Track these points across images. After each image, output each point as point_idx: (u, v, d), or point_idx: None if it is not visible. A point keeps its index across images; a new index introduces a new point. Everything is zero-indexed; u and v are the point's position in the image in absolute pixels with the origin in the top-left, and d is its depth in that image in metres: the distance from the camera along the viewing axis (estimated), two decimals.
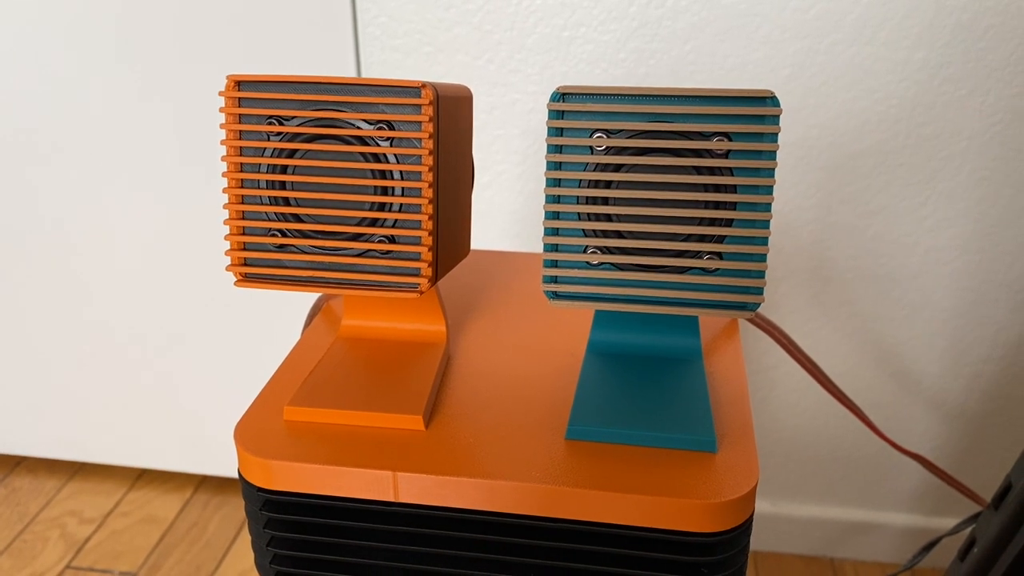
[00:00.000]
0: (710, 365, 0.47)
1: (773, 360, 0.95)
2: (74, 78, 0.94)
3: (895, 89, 0.83)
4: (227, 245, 0.92)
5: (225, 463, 1.11)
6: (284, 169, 0.38)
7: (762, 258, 0.37)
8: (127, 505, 1.08)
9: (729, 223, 0.37)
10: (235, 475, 1.12)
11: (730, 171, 0.36)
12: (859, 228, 0.89)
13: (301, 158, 0.38)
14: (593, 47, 0.86)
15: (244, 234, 0.39)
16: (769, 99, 0.35)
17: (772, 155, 0.36)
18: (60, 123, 0.96)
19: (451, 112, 0.39)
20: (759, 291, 0.37)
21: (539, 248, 0.96)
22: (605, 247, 0.38)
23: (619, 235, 0.38)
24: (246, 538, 1.03)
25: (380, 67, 0.90)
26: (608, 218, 0.38)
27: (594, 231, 0.38)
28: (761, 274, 0.37)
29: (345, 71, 0.90)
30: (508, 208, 0.94)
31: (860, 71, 0.83)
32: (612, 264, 0.38)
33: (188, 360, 1.05)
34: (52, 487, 1.11)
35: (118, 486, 1.12)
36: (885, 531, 1.02)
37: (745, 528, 0.39)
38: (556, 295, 0.39)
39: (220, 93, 0.37)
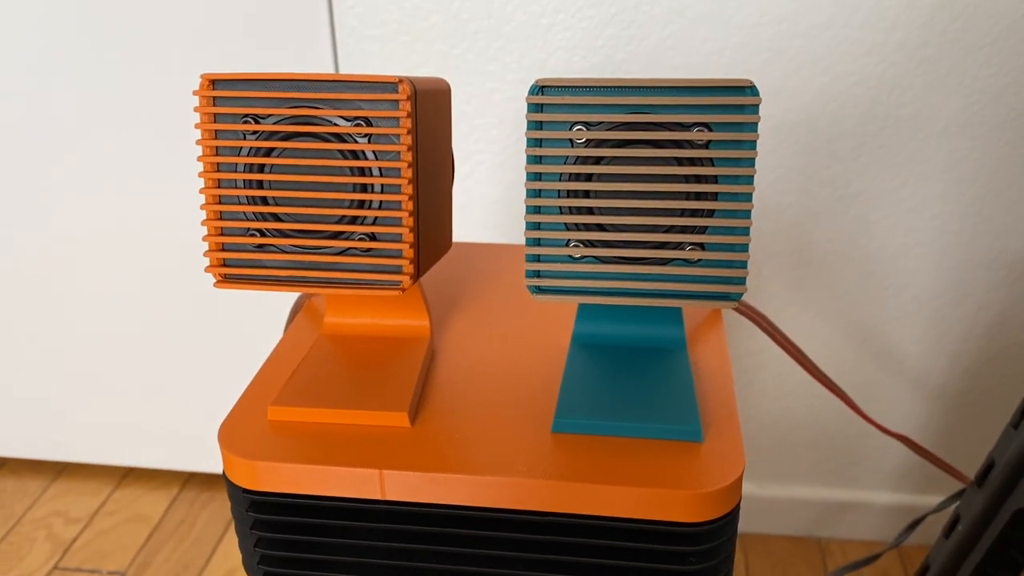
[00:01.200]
0: (694, 354, 0.47)
1: (758, 344, 0.96)
2: (49, 75, 0.92)
3: (873, 71, 0.83)
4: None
5: (211, 460, 1.10)
6: (261, 168, 0.38)
7: (744, 248, 0.37)
8: (113, 504, 1.07)
9: (711, 214, 0.37)
10: (221, 471, 1.12)
11: (711, 161, 0.36)
12: (839, 210, 0.89)
13: (278, 156, 0.37)
14: (571, 34, 0.86)
15: (223, 234, 0.38)
16: (748, 88, 0.35)
17: (752, 144, 0.35)
18: (38, 120, 0.94)
19: (429, 106, 0.39)
20: (742, 281, 0.37)
21: (519, 238, 0.96)
22: (587, 240, 0.38)
23: (601, 228, 0.38)
24: (234, 534, 1.02)
25: (358, 57, 0.89)
26: (590, 211, 0.38)
27: (576, 224, 0.38)
28: (743, 264, 0.37)
29: (322, 62, 0.89)
30: (488, 198, 0.93)
31: (837, 54, 0.83)
32: (594, 257, 0.38)
33: (171, 357, 1.04)
34: (37, 488, 1.10)
35: (104, 485, 1.11)
36: (871, 510, 1.03)
37: (732, 517, 0.39)
38: (539, 289, 0.39)
39: (194, 92, 0.36)
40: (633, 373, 0.43)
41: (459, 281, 0.56)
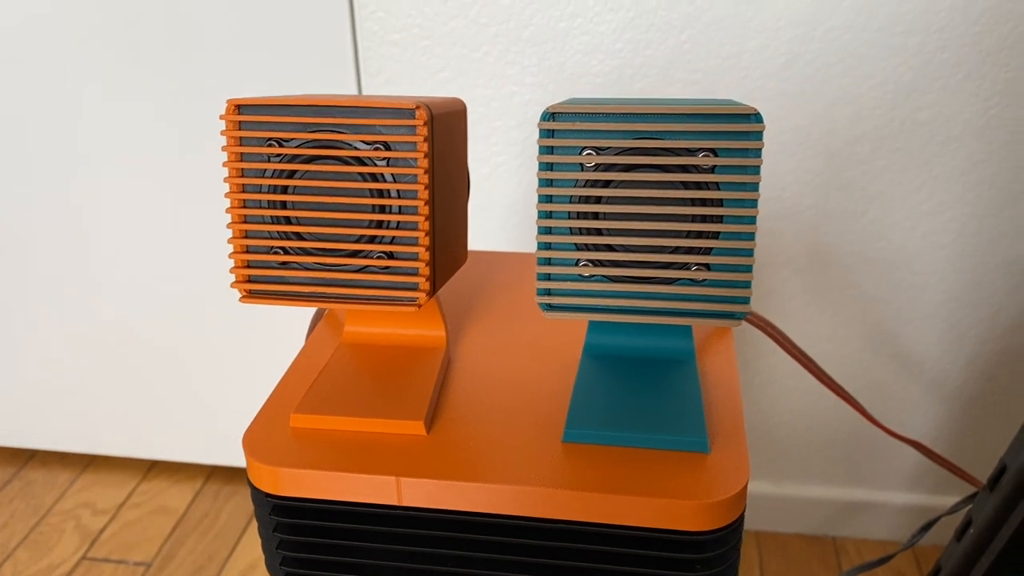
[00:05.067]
0: (703, 366, 0.48)
1: (773, 346, 0.97)
2: (83, 82, 0.95)
3: (891, 75, 0.83)
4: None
5: (235, 454, 1.13)
6: (285, 189, 0.39)
7: (748, 269, 0.38)
8: (139, 496, 1.11)
9: (716, 235, 0.38)
10: (244, 466, 1.15)
11: (716, 185, 0.37)
12: (857, 213, 0.89)
13: (301, 178, 0.39)
14: (589, 38, 0.86)
15: (248, 252, 0.40)
16: (753, 116, 0.36)
17: (756, 170, 0.37)
18: (72, 124, 0.97)
19: (445, 128, 0.40)
20: (745, 300, 0.38)
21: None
22: (596, 260, 0.39)
23: (610, 248, 0.39)
24: (256, 527, 1.05)
25: (378, 61, 0.90)
26: (599, 232, 0.39)
27: (585, 244, 0.39)
28: (747, 284, 0.38)
29: (343, 66, 0.90)
30: (507, 200, 0.95)
31: (855, 57, 0.83)
32: (603, 276, 0.39)
33: (198, 354, 1.07)
34: (65, 480, 1.14)
35: (130, 478, 1.14)
36: (886, 510, 1.04)
37: (736, 526, 0.40)
38: (550, 307, 0.40)
39: (221, 117, 0.38)
40: (642, 385, 0.44)
41: (475, 291, 0.57)
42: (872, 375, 0.97)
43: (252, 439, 0.43)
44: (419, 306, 0.40)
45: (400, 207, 0.38)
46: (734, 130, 0.36)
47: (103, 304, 1.06)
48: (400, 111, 0.37)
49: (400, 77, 0.91)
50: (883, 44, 0.82)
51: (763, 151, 0.53)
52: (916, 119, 0.85)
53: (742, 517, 0.41)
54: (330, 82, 0.91)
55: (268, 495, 0.42)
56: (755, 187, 0.37)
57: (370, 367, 0.46)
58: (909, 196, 0.88)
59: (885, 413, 0.99)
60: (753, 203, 0.37)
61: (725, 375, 0.47)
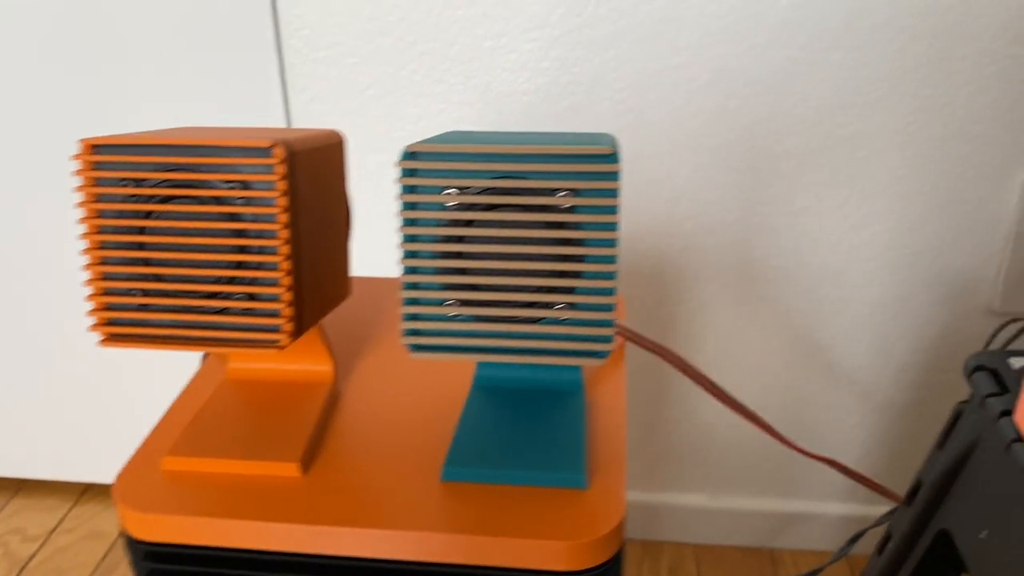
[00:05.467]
0: (594, 395, 0.48)
1: (707, 357, 0.97)
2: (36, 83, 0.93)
3: (814, 91, 0.84)
4: None
5: None
6: (142, 230, 0.38)
7: (609, 308, 0.37)
8: (72, 521, 1.08)
9: (578, 275, 0.37)
10: None
11: (577, 225, 0.37)
12: (783, 227, 0.90)
13: (158, 219, 0.38)
14: (516, 56, 0.86)
15: (107, 294, 0.39)
16: (608, 156, 0.36)
17: (614, 209, 0.36)
18: None
19: (312, 163, 0.39)
20: (608, 339, 0.38)
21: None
22: (462, 299, 0.38)
23: (475, 287, 0.38)
24: None
25: (304, 79, 0.89)
26: (464, 271, 0.38)
27: (451, 284, 0.38)
28: (609, 323, 0.38)
29: (269, 84, 0.89)
30: None
31: (779, 74, 0.83)
32: (470, 316, 0.39)
33: (128, 376, 1.05)
34: None
35: (62, 502, 1.12)
36: (821, 521, 1.04)
37: (612, 563, 0.40)
38: (418, 347, 0.40)
39: (74, 157, 0.37)
40: (527, 419, 0.43)
41: (374, 321, 0.56)
42: (804, 387, 0.97)
43: (123, 484, 0.42)
44: (281, 347, 0.39)
45: (260, 247, 0.38)
46: (591, 170, 0.36)
47: (30, 324, 1.03)
48: (257, 150, 0.37)
49: (327, 95, 0.90)
50: (806, 61, 0.83)
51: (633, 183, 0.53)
52: (839, 135, 0.86)
53: (619, 553, 0.41)
54: (257, 100, 0.90)
55: (139, 541, 0.41)
56: (614, 227, 0.36)
57: (251, 405, 0.45)
58: (834, 211, 0.89)
59: (818, 425, 1.00)
60: (612, 242, 0.36)
61: (613, 404, 0.47)
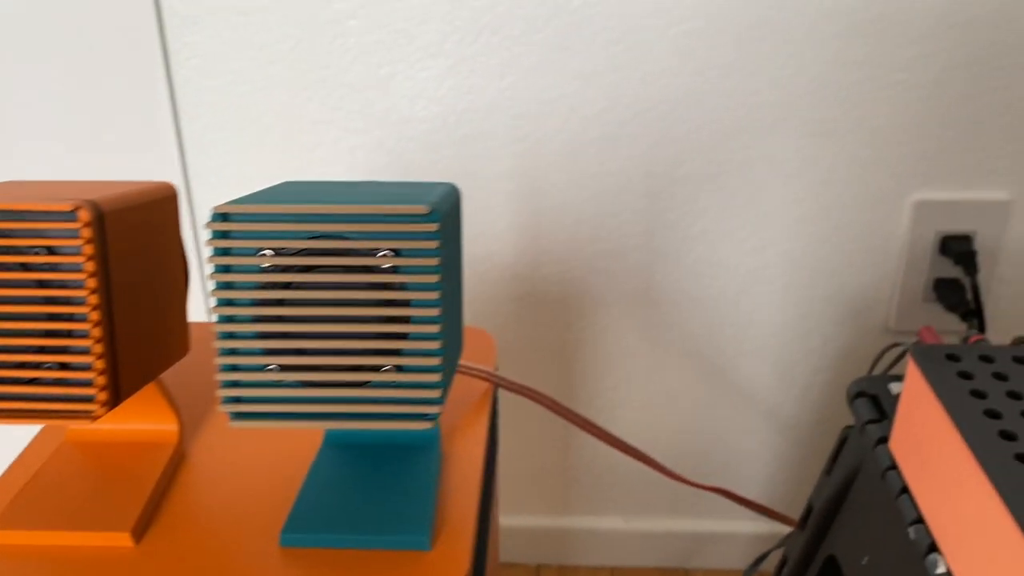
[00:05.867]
0: (452, 445, 0.47)
1: (615, 379, 0.97)
2: None
3: (708, 117, 0.85)
4: None
5: None
6: None
7: (436, 369, 0.37)
8: None
9: (405, 336, 0.36)
10: None
11: (402, 285, 0.36)
12: (683, 252, 0.90)
13: None
14: (412, 84, 0.85)
15: None
16: (424, 215, 0.35)
17: (435, 269, 0.36)
18: None
19: (132, 221, 0.38)
20: (436, 400, 0.37)
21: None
22: (285, 364, 0.37)
23: (297, 352, 0.37)
24: None
25: (196, 108, 0.87)
26: (285, 335, 0.37)
27: (272, 349, 0.37)
28: (437, 385, 0.37)
29: (160, 115, 0.87)
30: None
31: (672, 101, 0.84)
32: (294, 381, 0.38)
33: None
34: None
35: None
36: (735, 539, 1.05)
37: None
38: (238, 415, 0.38)
39: None
40: (375, 477, 0.42)
41: None
42: (710, 410, 0.98)
43: None
44: (94, 418, 0.37)
45: (69, 314, 0.36)
46: (409, 230, 0.35)
47: None
48: (59, 213, 0.35)
49: (220, 124, 0.88)
50: (698, 88, 0.83)
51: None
52: (734, 160, 0.86)
53: None
54: (148, 132, 0.88)
55: None
56: (436, 286, 0.35)
57: (87, 470, 0.43)
58: (732, 234, 0.90)
59: (728, 445, 1.01)
60: (436, 302, 0.36)
61: (472, 454, 0.46)
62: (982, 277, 0.89)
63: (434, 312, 0.36)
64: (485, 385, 0.52)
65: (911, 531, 0.58)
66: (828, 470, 0.72)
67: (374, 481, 0.42)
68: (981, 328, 0.87)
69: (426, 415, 0.37)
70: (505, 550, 1.07)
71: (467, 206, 0.90)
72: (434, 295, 0.35)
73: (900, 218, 0.88)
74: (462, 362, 0.50)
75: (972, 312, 0.87)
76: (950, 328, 0.91)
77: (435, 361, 0.36)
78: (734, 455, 1.00)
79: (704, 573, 1.05)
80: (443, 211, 0.36)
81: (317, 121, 0.87)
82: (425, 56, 0.84)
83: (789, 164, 0.86)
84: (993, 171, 0.86)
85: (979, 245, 0.88)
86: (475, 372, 0.49)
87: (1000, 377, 0.58)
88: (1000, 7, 0.79)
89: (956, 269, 0.89)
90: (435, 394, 0.36)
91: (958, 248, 0.88)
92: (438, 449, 0.44)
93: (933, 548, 0.55)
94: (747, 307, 0.92)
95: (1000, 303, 0.92)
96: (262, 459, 0.46)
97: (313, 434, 0.48)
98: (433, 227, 0.35)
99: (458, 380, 0.52)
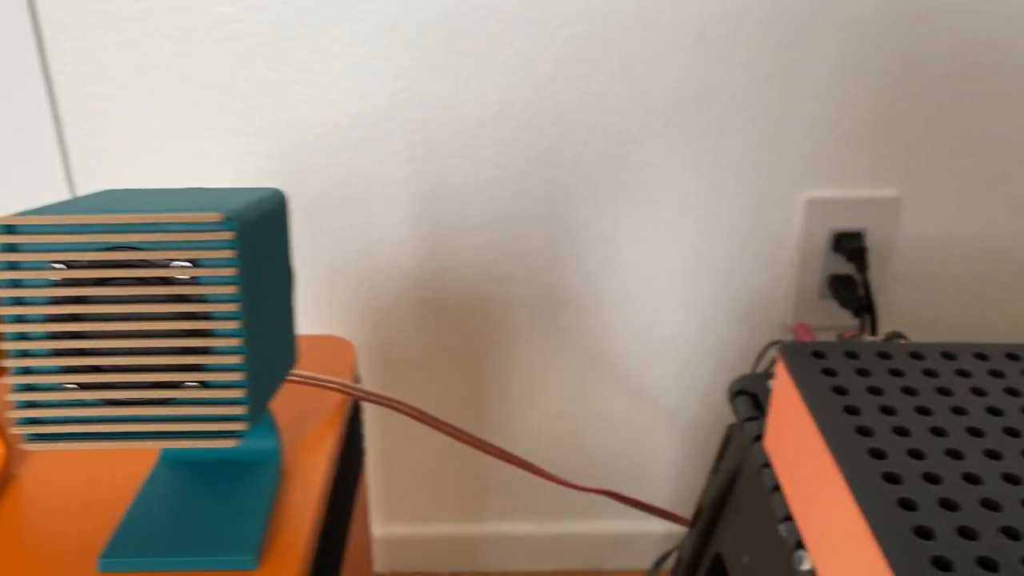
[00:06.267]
0: (297, 460, 0.46)
1: (521, 385, 0.97)
2: None
3: (600, 121, 0.85)
4: None
5: None
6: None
7: (240, 384, 0.35)
8: None
9: (207, 350, 0.35)
10: None
11: (202, 297, 0.35)
12: (583, 255, 0.90)
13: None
14: (301, 88, 0.84)
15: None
16: (218, 224, 0.34)
17: (234, 280, 0.34)
18: None
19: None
20: (243, 418, 0.36)
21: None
22: (81, 383, 0.36)
23: (96, 369, 0.36)
24: None
25: (79, 116, 0.84)
26: (82, 352, 0.36)
27: (69, 366, 0.36)
28: (241, 401, 0.36)
29: (40, 124, 0.84)
30: None
31: (565, 105, 0.84)
32: (93, 399, 0.36)
33: None
34: None
35: None
36: (647, 539, 1.06)
37: None
38: (34, 437, 0.36)
39: None
40: (209, 495, 0.41)
41: None
42: (617, 410, 0.98)
43: None
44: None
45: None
46: (206, 239, 0.34)
47: None
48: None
49: (104, 131, 0.85)
50: (590, 92, 0.83)
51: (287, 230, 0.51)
52: (629, 163, 0.87)
53: None
54: (30, 143, 0.85)
55: None
56: (236, 298, 0.34)
57: None
58: (629, 237, 0.90)
59: (636, 445, 1.01)
60: (236, 315, 0.34)
61: (317, 470, 0.45)
62: (875, 273, 0.91)
63: (234, 325, 0.34)
64: (339, 397, 0.50)
65: (781, 528, 0.58)
66: (715, 469, 0.72)
67: (207, 499, 0.41)
68: (873, 323, 0.88)
69: (232, 432, 0.36)
70: (417, 559, 1.06)
71: (364, 212, 0.89)
72: (233, 307, 0.34)
73: (793, 217, 0.89)
74: (311, 373, 0.49)
75: (864, 308, 0.88)
76: (846, 324, 0.93)
77: (238, 376, 0.35)
78: (641, 457, 1.01)
79: (617, 575, 1.05)
80: (245, 218, 0.34)
81: (204, 127, 0.85)
82: (313, 59, 0.83)
83: (683, 166, 0.86)
84: (883, 169, 0.88)
85: (871, 242, 0.90)
86: (324, 383, 0.48)
87: (863, 373, 0.59)
88: (884, 8, 0.81)
89: (849, 266, 0.90)
90: (240, 410, 0.35)
91: (850, 245, 0.89)
92: (278, 465, 0.43)
93: (801, 545, 0.55)
94: (649, 308, 0.93)
95: (894, 299, 0.94)
96: (96, 479, 0.44)
97: (150, 452, 0.47)
98: (228, 235, 0.34)
99: (309, 392, 0.50)
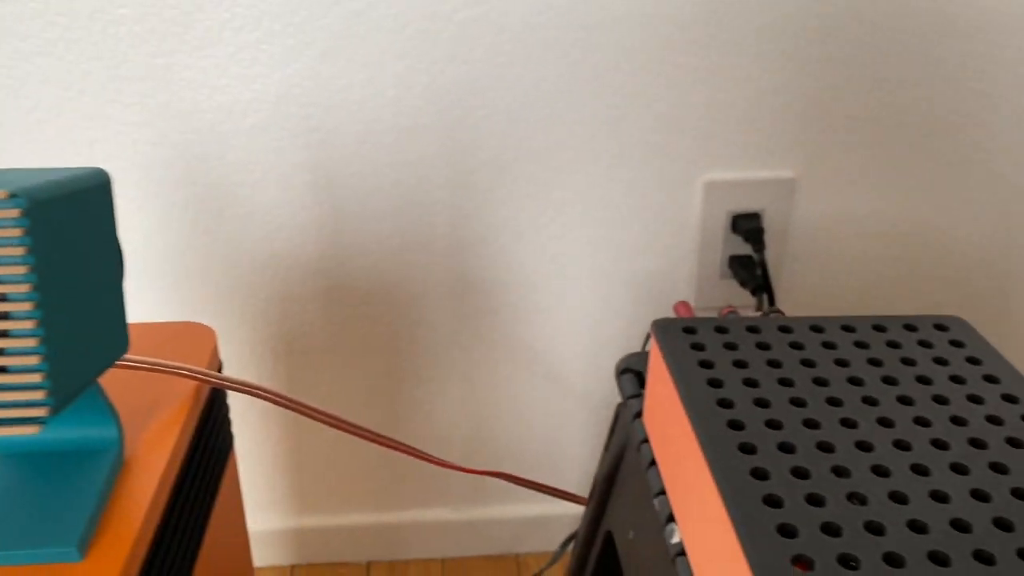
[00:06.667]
0: (142, 449, 0.45)
1: (431, 372, 0.96)
2: None
3: (499, 104, 0.84)
4: None
5: None
6: None
7: (38, 369, 0.35)
8: None
9: (4, 334, 0.34)
10: None
11: None
12: (488, 239, 0.90)
13: None
14: (192, 73, 0.82)
15: None
16: (4, 202, 0.33)
17: (23, 260, 0.33)
18: None
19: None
20: (46, 402, 0.35)
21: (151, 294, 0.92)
22: None
23: None
24: None
25: None
26: None
27: None
28: (41, 385, 0.35)
29: None
30: (128, 248, 0.88)
31: (463, 88, 0.84)
32: None
33: None
34: None
35: None
36: (564, 520, 1.06)
37: None
38: None
39: None
40: (39, 487, 0.40)
41: None
42: (528, 395, 0.98)
43: None
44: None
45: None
46: None
47: None
48: None
49: None
50: (486, 75, 0.83)
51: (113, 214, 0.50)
52: (529, 147, 0.87)
53: None
54: None
55: None
56: (27, 278, 0.33)
57: None
58: (534, 220, 0.90)
59: (550, 428, 1.01)
60: (29, 296, 0.34)
61: (157, 460, 0.44)
62: (773, 253, 0.93)
63: (28, 306, 0.34)
64: (193, 384, 0.50)
65: (656, 503, 0.59)
66: (607, 445, 0.73)
67: (35, 491, 0.40)
68: (771, 301, 0.90)
69: (32, 419, 0.35)
70: (333, 549, 1.05)
71: (262, 199, 0.88)
72: (26, 287, 0.33)
73: (692, 199, 0.90)
74: (156, 359, 0.48)
75: (761, 287, 0.89)
76: (747, 303, 0.94)
77: (35, 360, 0.34)
78: (554, 440, 1.01)
79: (535, 557, 1.06)
80: (36, 197, 0.34)
81: (93, 116, 0.83)
82: (204, 44, 0.81)
83: (581, 150, 0.87)
84: (777, 150, 0.89)
85: (768, 223, 0.91)
86: (168, 369, 0.47)
87: (731, 347, 0.59)
88: None
89: (747, 246, 0.91)
90: (39, 395, 0.34)
91: (747, 226, 0.90)
92: (118, 455, 0.42)
93: (672, 518, 0.56)
94: (555, 292, 0.93)
95: (793, 277, 0.96)
96: None
97: None
98: (14, 213, 0.33)
99: (162, 380, 0.50)
